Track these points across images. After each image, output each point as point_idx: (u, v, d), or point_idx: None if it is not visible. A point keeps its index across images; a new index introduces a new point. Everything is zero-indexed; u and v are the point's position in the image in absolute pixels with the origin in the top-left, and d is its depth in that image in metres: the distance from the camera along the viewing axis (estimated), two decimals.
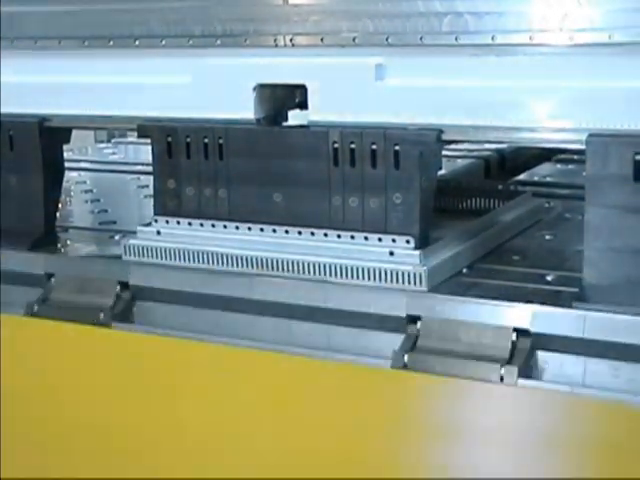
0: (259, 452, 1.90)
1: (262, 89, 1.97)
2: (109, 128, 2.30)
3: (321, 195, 1.93)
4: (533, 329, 1.70)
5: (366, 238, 1.86)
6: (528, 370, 1.69)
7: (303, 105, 1.97)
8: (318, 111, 1.92)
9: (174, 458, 1.99)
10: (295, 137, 1.95)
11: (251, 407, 1.90)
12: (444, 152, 2.76)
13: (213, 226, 2.00)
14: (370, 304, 1.84)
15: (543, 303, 1.73)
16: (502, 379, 1.67)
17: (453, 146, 3.02)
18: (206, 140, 2.01)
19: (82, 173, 3.13)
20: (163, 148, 2.05)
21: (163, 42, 2.07)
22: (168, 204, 2.07)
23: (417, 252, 1.82)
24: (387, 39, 1.86)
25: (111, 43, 2.12)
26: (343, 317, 1.87)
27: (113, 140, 3.96)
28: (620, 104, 1.69)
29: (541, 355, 1.71)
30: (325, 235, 1.89)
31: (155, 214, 2.09)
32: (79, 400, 2.09)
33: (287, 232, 1.93)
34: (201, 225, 2.01)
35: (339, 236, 1.88)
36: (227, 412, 1.93)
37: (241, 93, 1.97)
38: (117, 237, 2.33)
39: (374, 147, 1.86)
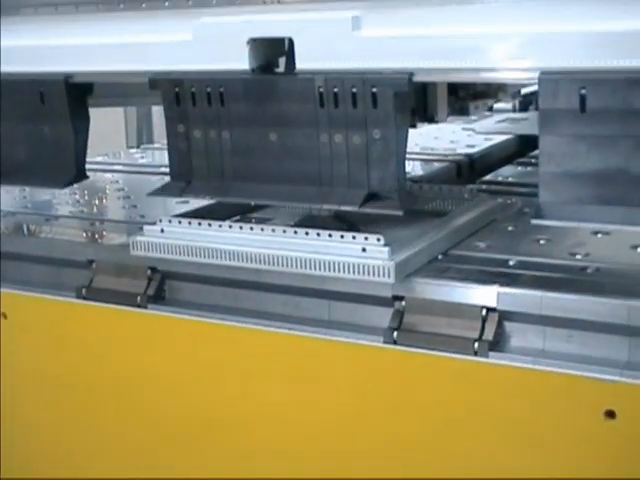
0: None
1: (255, 42, 1.91)
2: (124, 82, 2.24)
3: (310, 133, 1.89)
4: (500, 307, 1.69)
5: (342, 236, 1.82)
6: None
7: (291, 55, 1.91)
8: (304, 60, 1.86)
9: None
10: (285, 84, 1.90)
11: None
12: (420, 156, 2.80)
13: (209, 225, 1.96)
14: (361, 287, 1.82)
15: (507, 284, 1.73)
16: (476, 353, 1.68)
17: (429, 150, 3.04)
18: (208, 89, 1.96)
19: (115, 175, 3.18)
20: (172, 98, 2.00)
21: (166, 4, 2.01)
22: (179, 145, 2.03)
23: (386, 249, 1.78)
24: None
25: (121, 6, 2.06)
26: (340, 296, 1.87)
27: (142, 146, 4.03)
28: (568, 45, 1.62)
29: (508, 325, 1.71)
30: (306, 234, 1.85)
31: (169, 154, 2.05)
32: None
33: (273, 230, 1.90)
34: (199, 224, 1.97)
35: (318, 234, 1.84)
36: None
37: (236, 46, 1.91)
38: None
39: (354, 90, 1.81)
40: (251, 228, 1.93)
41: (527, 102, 3.67)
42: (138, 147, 4.05)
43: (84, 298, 2.12)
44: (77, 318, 2.14)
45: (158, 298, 2.06)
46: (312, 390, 1.87)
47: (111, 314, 2.07)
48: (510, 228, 2.16)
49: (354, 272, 1.77)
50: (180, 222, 2.00)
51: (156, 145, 3.89)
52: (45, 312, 2.19)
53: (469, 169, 2.92)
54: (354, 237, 1.81)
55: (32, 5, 2.16)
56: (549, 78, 1.63)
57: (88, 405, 2.16)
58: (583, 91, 1.60)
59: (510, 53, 1.69)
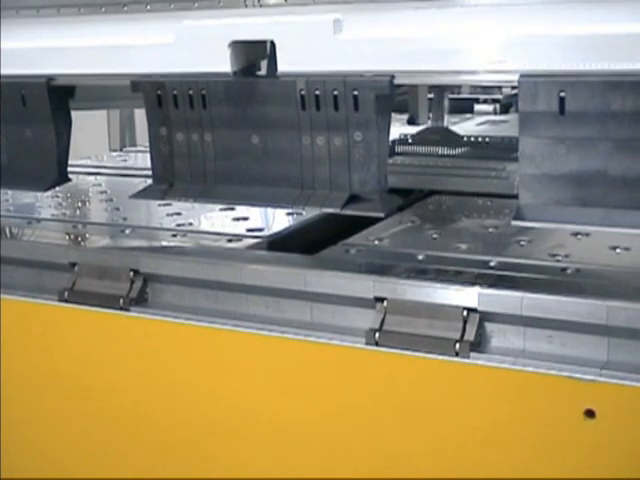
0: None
1: (236, 45, 1.91)
2: (106, 84, 2.24)
3: (292, 136, 1.89)
4: (481, 308, 1.69)
5: None
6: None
7: (273, 57, 1.91)
8: (286, 63, 1.86)
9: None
10: (267, 86, 1.90)
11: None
12: None
13: None
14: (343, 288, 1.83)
15: (488, 285, 1.73)
16: (457, 354, 1.68)
17: None
18: (190, 92, 1.96)
19: (98, 177, 3.17)
20: (154, 100, 2.01)
21: (148, 7, 2.00)
22: (162, 150, 2.03)
23: None
24: None
25: (103, 10, 2.05)
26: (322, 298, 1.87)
27: (124, 149, 4.02)
28: (547, 48, 1.63)
29: (489, 326, 1.71)
30: None
31: (151, 157, 2.05)
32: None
33: None
34: None
35: None
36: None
37: (218, 49, 1.91)
38: (127, 231, 2.36)
39: (335, 93, 1.82)
40: None
41: (508, 104, 3.69)
42: (121, 150, 4.04)
43: (66, 301, 2.12)
44: (59, 321, 2.13)
45: (141, 300, 2.05)
46: (295, 391, 1.87)
47: (94, 317, 2.07)
48: (491, 229, 2.17)
49: None
50: None
51: (139, 148, 3.89)
52: (27, 315, 2.18)
53: None
54: None
55: (13, 7, 2.15)
56: (529, 81, 1.64)
57: (70, 407, 2.15)
58: (562, 94, 1.61)
59: (490, 56, 1.70)
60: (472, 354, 1.68)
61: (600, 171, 1.61)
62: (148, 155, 2.08)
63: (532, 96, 1.63)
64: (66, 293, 2.12)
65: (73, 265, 2.14)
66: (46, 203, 2.73)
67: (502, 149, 2.56)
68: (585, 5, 1.60)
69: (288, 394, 1.87)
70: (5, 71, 2.17)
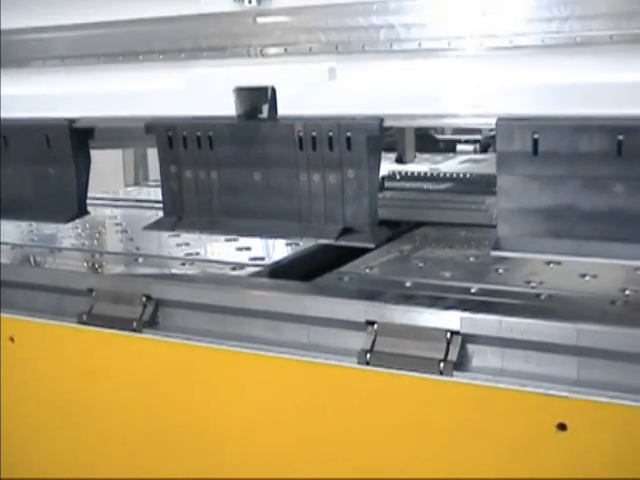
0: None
1: (240, 91, 1.92)
2: (122, 126, 2.25)
3: (291, 173, 1.90)
4: (463, 330, 1.69)
5: None
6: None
7: (273, 102, 1.92)
8: (285, 107, 1.88)
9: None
10: (268, 128, 1.91)
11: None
12: None
13: None
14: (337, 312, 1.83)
15: (469, 310, 1.73)
16: (441, 373, 1.68)
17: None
18: (199, 133, 1.97)
19: (114, 210, 3.16)
20: (166, 141, 2.02)
21: (161, 56, 2.02)
22: (172, 186, 2.04)
23: None
24: (337, 47, 1.82)
25: (120, 59, 2.07)
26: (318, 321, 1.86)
27: (138, 184, 3.99)
28: (521, 95, 1.65)
29: (470, 347, 1.70)
30: None
31: (162, 195, 2.06)
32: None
33: None
34: None
35: None
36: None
37: (224, 94, 1.93)
38: (140, 260, 2.36)
39: (330, 134, 1.83)
40: None
41: (487, 145, 3.70)
42: (135, 185, 4.04)
43: (84, 323, 2.11)
44: (78, 341, 2.13)
45: (152, 323, 2.05)
46: (293, 407, 1.86)
47: (109, 338, 2.06)
48: (472, 259, 2.17)
49: None
50: None
51: (151, 183, 3.88)
52: (49, 336, 2.18)
53: None
54: None
55: (40, 58, 2.17)
56: (505, 124, 1.65)
57: (88, 421, 2.15)
58: (535, 136, 1.62)
59: (470, 101, 1.71)
60: (455, 373, 1.67)
61: (570, 206, 1.62)
62: (159, 190, 2.08)
63: (508, 138, 1.65)
64: (84, 316, 2.11)
65: (91, 291, 2.14)
66: (67, 234, 2.73)
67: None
68: (556, 56, 1.62)
69: (287, 410, 1.87)
70: (31, 114, 2.19)
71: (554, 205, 1.64)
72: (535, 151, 1.62)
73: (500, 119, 1.66)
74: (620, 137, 1.56)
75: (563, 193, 1.62)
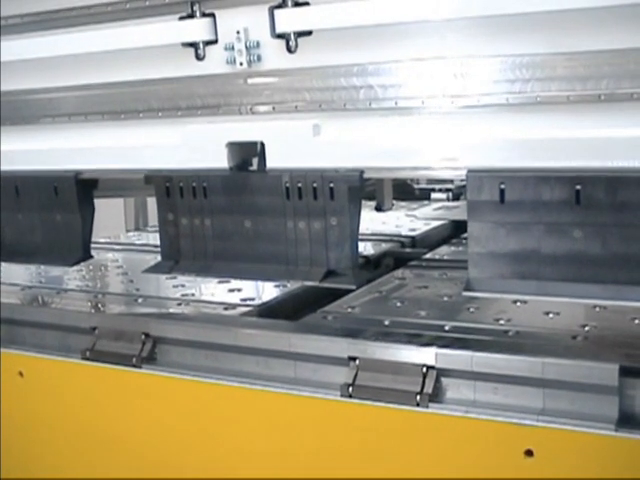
0: None
1: (232, 145, 1.94)
2: (123, 177, 2.26)
3: (279, 221, 1.91)
4: (438, 365, 1.70)
5: None
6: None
7: (263, 155, 1.94)
8: (273, 160, 1.90)
9: None
10: (258, 179, 1.93)
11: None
12: (372, 238, 2.85)
13: None
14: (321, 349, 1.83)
15: (443, 346, 1.73)
16: (418, 404, 1.67)
17: (378, 233, 3.04)
18: (194, 184, 1.99)
19: (115, 253, 3.14)
20: (163, 191, 2.03)
21: (160, 114, 2.04)
22: (169, 232, 2.05)
23: None
24: (320, 106, 1.84)
25: (122, 116, 2.08)
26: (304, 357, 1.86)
27: (138, 230, 3.99)
28: (489, 149, 1.67)
29: (444, 380, 1.70)
30: None
31: (160, 240, 2.07)
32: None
33: None
34: None
35: None
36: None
37: (217, 149, 1.94)
38: (139, 300, 2.35)
39: (315, 185, 1.85)
40: None
41: (459, 193, 3.73)
42: (135, 230, 4.03)
43: (88, 359, 2.10)
44: (82, 376, 2.12)
45: (151, 359, 2.03)
46: (281, 437, 1.84)
47: (110, 373, 2.05)
48: (445, 298, 2.18)
49: None
50: None
51: (150, 229, 3.88)
52: (55, 371, 2.16)
53: (412, 248, 2.93)
54: None
55: (50, 115, 2.19)
56: (475, 175, 1.67)
57: (91, 451, 2.12)
58: (502, 186, 1.64)
59: (443, 155, 1.73)
60: (430, 404, 1.67)
61: (534, 249, 1.64)
62: (158, 235, 2.08)
63: (478, 188, 1.66)
64: (87, 352, 2.10)
65: (94, 329, 2.13)
66: (72, 276, 2.72)
67: None
68: (519, 114, 1.64)
69: (276, 439, 1.85)
70: (41, 167, 2.21)
71: (520, 249, 1.65)
72: (502, 200, 1.64)
73: (470, 171, 1.68)
74: (578, 187, 1.58)
75: (528, 238, 1.64)
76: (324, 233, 1.86)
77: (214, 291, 2.39)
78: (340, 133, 1.84)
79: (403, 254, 2.80)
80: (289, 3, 1.80)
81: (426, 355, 1.71)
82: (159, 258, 2.10)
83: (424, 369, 1.70)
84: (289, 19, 1.81)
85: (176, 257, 2.05)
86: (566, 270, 1.62)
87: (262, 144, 1.90)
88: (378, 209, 3.13)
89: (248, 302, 2.24)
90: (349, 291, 2.17)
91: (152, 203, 2.43)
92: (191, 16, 1.91)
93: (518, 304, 2.03)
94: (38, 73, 2.13)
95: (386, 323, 1.98)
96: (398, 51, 1.74)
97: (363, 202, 1.91)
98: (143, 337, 2.04)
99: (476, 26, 1.65)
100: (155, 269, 2.12)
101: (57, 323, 2.22)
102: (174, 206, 2.02)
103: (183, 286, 2.46)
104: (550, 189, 1.60)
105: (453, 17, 1.66)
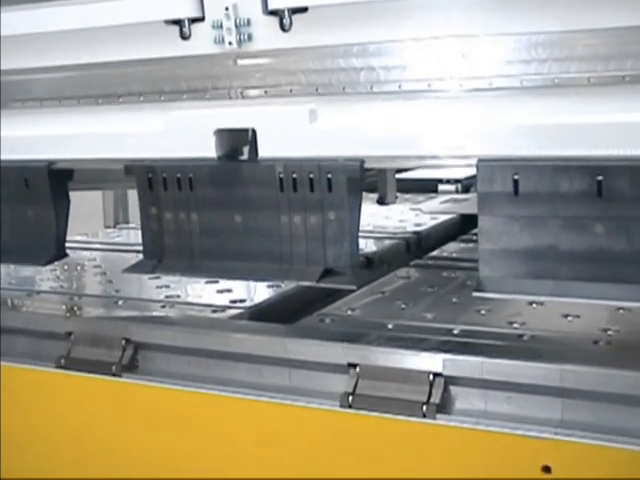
0: None
1: (221, 132, 1.93)
2: (102, 168, 2.26)
3: (272, 215, 1.90)
4: (445, 372, 1.70)
5: None
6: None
7: (254, 144, 1.93)
8: (266, 148, 1.89)
9: None
10: (249, 170, 1.92)
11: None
12: (373, 234, 2.85)
13: None
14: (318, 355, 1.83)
15: (452, 351, 1.73)
16: (424, 415, 1.67)
17: (380, 229, 3.04)
18: (179, 175, 1.98)
19: (93, 252, 3.13)
20: (145, 183, 2.02)
21: (141, 98, 2.03)
22: (152, 226, 2.04)
23: None
24: (317, 89, 1.84)
25: (100, 101, 2.08)
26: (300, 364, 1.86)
27: (118, 226, 3.99)
28: (502, 136, 1.67)
29: (453, 389, 1.71)
30: None
31: (142, 234, 2.06)
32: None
33: None
34: None
35: None
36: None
37: (204, 136, 1.94)
38: (119, 302, 2.34)
39: (311, 176, 1.84)
40: None
41: (468, 184, 3.74)
42: (114, 227, 4.03)
43: (62, 367, 2.10)
44: (56, 386, 2.11)
45: (132, 367, 2.03)
46: (275, 451, 1.85)
47: (88, 383, 2.05)
48: (454, 299, 2.18)
49: None
50: None
51: (131, 225, 3.88)
52: (26, 380, 2.16)
53: (417, 246, 2.94)
54: None
55: (20, 100, 2.18)
56: (486, 165, 1.67)
57: (64, 468, 2.12)
58: (516, 177, 1.64)
59: (451, 142, 1.73)
60: (438, 415, 1.67)
61: (551, 246, 1.64)
62: (139, 232, 2.08)
63: (489, 179, 1.66)
64: (62, 360, 2.10)
65: (69, 334, 2.13)
66: (45, 276, 2.72)
67: None
68: (535, 98, 1.64)
69: (269, 454, 1.85)
70: (10, 156, 2.19)
71: (536, 246, 1.65)
72: (516, 192, 1.64)
73: (481, 160, 1.68)
74: (599, 177, 1.58)
75: (544, 233, 1.64)
76: (321, 228, 1.85)
77: (201, 292, 2.40)
78: (339, 119, 1.84)
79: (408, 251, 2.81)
80: None
81: (433, 361, 1.71)
82: (141, 256, 2.09)
83: (431, 377, 1.70)
84: None
85: (160, 255, 2.05)
86: (587, 269, 1.62)
87: (253, 131, 1.89)
88: (380, 202, 3.13)
89: (238, 304, 2.24)
90: (349, 292, 2.17)
91: (133, 196, 2.43)
92: None
93: (534, 306, 2.03)
94: (6, 53, 2.11)
95: (389, 326, 1.98)
96: (402, 29, 1.73)
97: (364, 195, 1.90)
98: (123, 343, 2.04)
99: (487, 1, 1.65)
100: (136, 268, 2.11)
101: (28, 328, 2.22)
102: (157, 199, 2.01)
103: (167, 287, 2.45)
104: (569, 180, 1.60)
105: None
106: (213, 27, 1.87)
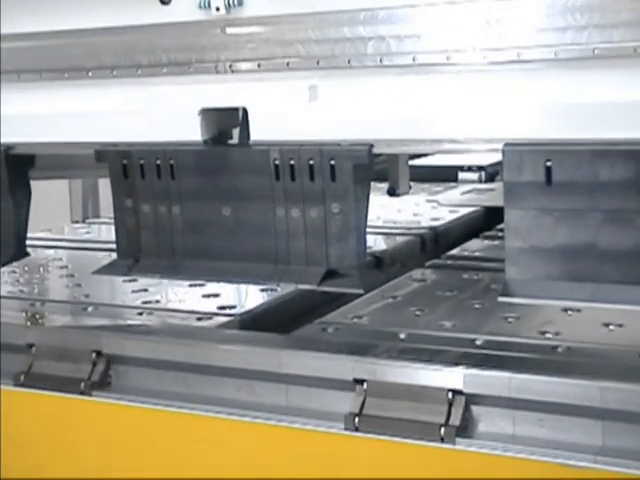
0: None
1: (207, 112, 1.95)
2: (68, 154, 2.26)
3: (266, 208, 1.91)
4: (466, 390, 1.70)
5: None
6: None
7: (245, 125, 1.94)
8: (259, 131, 1.90)
9: None
10: (239, 155, 1.93)
11: None
12: (383, 230, 2.85)
13: None
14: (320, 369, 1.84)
15: (474, 365, 1.74)
16: (442, 440, 1.67)
17: (391, 224, 3.06)
18: (158, 161, 1.99)
19: (58, 251, 3.14)
20: (119, 170, 2.03)
21: (114, 72, 2.03)
22: (127, 221, 2.05)
23: None
24: (318, 62, 1.84)
25: (66, 75, 2.07)
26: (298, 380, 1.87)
27: (87, 220, 3.99)
28: (532, 116, 1.68)
29: (475, 409, 1.71)
30: None
31: (116, 230, 2.07)
32: None
33: None
34: None
35: None
36: None
37: (188, 117, 1.95)
38: (89, 309, 2.35)
39: (311, 162, 1.85)
40: None
41: (493, 172, 3.74)
42: (83, 221, 4.04)
43: (22, 385, 2.10)
44: (15, 406, 2.12)
45: (103, 384, 2.04)
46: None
47: (52, 402, 2.05)
48: (477, 305, 2.18)
49: None
50: None
51: (103, 219, 3.88)
52: None
53: (433, 243, 2.95)
54: None
55: None
56: (513, 150, 1.67)
57: None
58: (549, 163, 1.64)
59: (473, 124, 1.73)
60: (458, 439, 1.68)
61: (590, 244, 1.64)
62: (113, 228, 2.09)
63: (517, 166, 1.66)
64: (22, 376, 2.10)
65: (30, 346, 2.13)
66: (2, 279, 2.72)
67: None
68: (571, 72, 1.64)
69: None
70: None
71: (571, 243, 1.65)
72: (548, 181, 1.64)
73: (507, 145, 1.68)
74: None
75: (581, 229, 1.64)
76: (323, 223, 1.86)
77: (184, 297, 2.41)
78: (343, 97, 1.85)
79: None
80: None
81: (452, 377, 1.72)
82: (114, 256, 2.10)
83: (450, 395, 1.71)
84: None
85: (136, 254, 2.06)
86: (631, 270, 1.62)
87: (244, 111, 1.90)
88: (391, 193, 3.13)
89: (227, 311, 2.25)
90: (355, 297, 2.17)
91: (105, 186, 2.43)
92: None
93: (569, 313, 2.04)
94: None
95: (402, 336, 1.99)
96: None
97: (372, 184, 1.91)
98: (94, 356, 2.05)
99: None
100: (109, 269, 2.12)
101: None
102: (133, 189, 2.02)
103: (145, 291, 2.47)
104: (610, 167, 1.60)
105: None
106: None
